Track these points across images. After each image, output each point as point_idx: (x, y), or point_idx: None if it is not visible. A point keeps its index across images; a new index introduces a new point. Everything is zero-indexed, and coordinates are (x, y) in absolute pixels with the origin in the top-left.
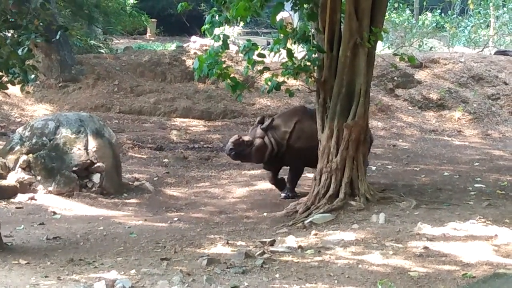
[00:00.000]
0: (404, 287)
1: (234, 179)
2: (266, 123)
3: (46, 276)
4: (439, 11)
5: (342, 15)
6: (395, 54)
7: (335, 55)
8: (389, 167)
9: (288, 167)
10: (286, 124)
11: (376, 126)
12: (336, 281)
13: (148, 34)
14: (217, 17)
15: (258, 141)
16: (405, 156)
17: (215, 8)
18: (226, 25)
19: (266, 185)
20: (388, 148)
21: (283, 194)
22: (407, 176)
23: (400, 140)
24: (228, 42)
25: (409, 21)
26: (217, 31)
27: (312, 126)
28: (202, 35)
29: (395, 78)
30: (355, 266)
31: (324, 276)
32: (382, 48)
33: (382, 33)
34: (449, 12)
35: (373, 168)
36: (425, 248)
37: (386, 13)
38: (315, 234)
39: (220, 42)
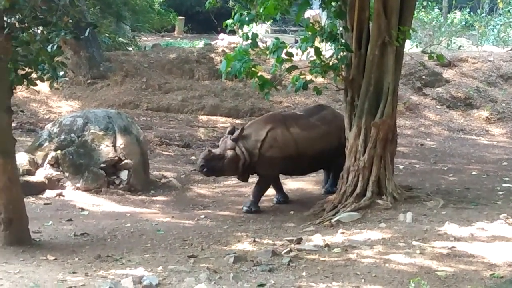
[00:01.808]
0: (431, 286)
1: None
2: (236, 133)
3: (73, 272)
4: (468, 9)
5: (370, 13)
6: (423, 52)
7: (363, 54)
8: (417, 166)
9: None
10: (257, 133)
11: (403, 125)
12: (362, 280)
13: (176, 31)
14: (245, 15)
15: (229, 153)
16: (433, 155)
17: (240, 6)
18: (254, 23)
19: (293, 183)
20: (416, 147)
21: (244, 208)
22: (435, 175)
23: (428, 139)
24: (257, 40)
25: (437, 19)
26: (245, 29)
27: (285, 134)
28: (229, 32)
29: (423, 76)
30: (382, 265)
31: (351, 275)
32: (410, 47)
33: (411, 31)
34: (478, 11)
35: (401, 167)
36: (452, 247)
37: (415, 12)
38: (342, 233)
39: (249, 41)
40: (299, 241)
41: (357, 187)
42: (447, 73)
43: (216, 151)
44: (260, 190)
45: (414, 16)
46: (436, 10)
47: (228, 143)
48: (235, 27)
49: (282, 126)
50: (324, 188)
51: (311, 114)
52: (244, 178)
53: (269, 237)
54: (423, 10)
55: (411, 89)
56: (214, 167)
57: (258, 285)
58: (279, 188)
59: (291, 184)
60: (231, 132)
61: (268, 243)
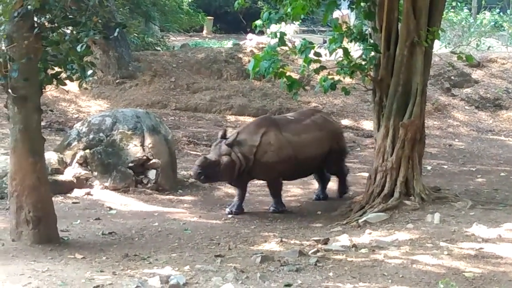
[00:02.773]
0: (459, 287)
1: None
2: (231, 138)
3: (101, 271)
4: (497, 10)
5: (399, 13)
6: (452, 53)
7: (392, 54)
8: (445, 166)
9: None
10: (252, 138)
11: (432, 126)
12: (390, 281)
13: (204, 31)
14: (274, 15)
15: (225, 159)
16: (461, 156)
17: (269, 6)
18: (283, 22)
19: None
20: (444, 147)
21: (271, 208)
22: (463, 176)
23: (456, 140)
24: (285, 39)
25: (467, 20)
26: (273, 28)
27: (279, 137)
28: (258, 32)
29: (452, 77)
30: (409, 266)
31: (378, 276)
32: (439, 47)
33: (440, 32)
34: (508, 11)
35: (429, 167)
36: (480, 249)
37: (444, 12)
38: (369, 233)
39: (277, 39)
40: (326, 241)
41: (385, 188)
42: (476, 74)
43: (212, 157)
44: (276, 190)
45: (443, 16)
46: (466, 10)
47: (223, 149)
48: (264, 28)
49: (275, 129)
50: (315, 194)
51: (302, 119)
52: (239, 184)
53: (296, 237)
54: (452, 10)
55: (440, 89)
56: (210, 173)
57: (285, 285)
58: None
59: (317, 184)
60: (224, 136)
61: (295, 243)
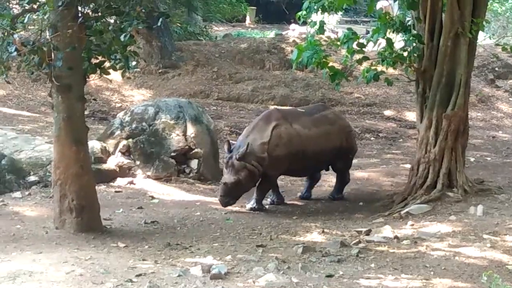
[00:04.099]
0: (502, 280)
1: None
2: (242, 151)
3: (143, 260)
4: None
5: (443, 4)
6: (497, 45)
7: (435, 45)
8: (488, 158)
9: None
10: (262, 134)
11: (475, 117)
12: (432, 273)
13: (247, 21)
14: (313, 4)
15: (243, 174)
16: (505, 148)
17: None
18: (325, 13)
19: (362, 174)
20: (488, 139)
21: (248, 205)
22: (507, 168)
23: (500, 132)
24: (325, 28)
25: (511, 11)
26: (315, 17)
27: (289, 130)
28: (302, 23)
29: (496, 68)
30: (452, 258)
31: (420, 267)
32: (483, 38)
33: (484, 23)
34: None
35: (472, 159)
36: None
37: (488, 3)
38: (412, 225)
39: (316, 27)
40: (368, 233)
41: (427, 179)
42: None
43: (230, 179)
44: (268, 186)
45: (487, 7)
46: (510, 1)
47: (237, 165)
48: (306, 18)
49: (285, 122)
50: (300, 192)
51: (313, 112)
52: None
53: (338, 228)
54: (497, 1)
55: (484, 81)
56: (235, 194)
57: (327, 276)
58: (275, 189)
59: (359, 174)
60: (230, 149)
61: (337, 234)
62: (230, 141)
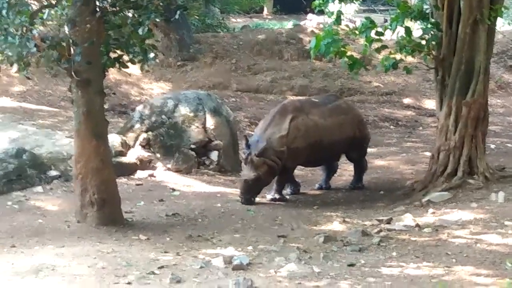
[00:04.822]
0: None
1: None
2: (261, 149)
3: (165, 252)
4: None
5: None
6: None
7: (454, 32)
8: (509, 145)
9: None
10: (280, 127)
11: (495, 104)
12: (454, 260)
13: (265, 12)
14: None
15: (263, 169)
16: None
17: None
18: (342, 2)
19: (382, 162)
20: (508, 126)
21: (269, 196)
22: None
23: None
24: (342, 18)
25: None
26: (332, 7)
27: (306, 122)
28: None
29: None
30: (474, 245)
31: (442, 255)
32: (502, 25)
33: (502, 9)
34: None
35: (492, 146)
36: None
37: None
38: (433, 213)
39: (333, 17)
40: (389, 221)
41: (448, 167)
42: None
43: (250, 176)
44: (283, 181)
45: None
46: None
47: (256, 162)
48: (323, 8)
49: (302, 113)
50: (318, 184)
51: (326, 102)
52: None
53: (359, 217)
54: None
55: (503, 67)
56: (256, 190)
57: (348, 265)
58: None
59: (379, 162)
60: (248, 145)
61: (358, 223)
62: (247, 137)
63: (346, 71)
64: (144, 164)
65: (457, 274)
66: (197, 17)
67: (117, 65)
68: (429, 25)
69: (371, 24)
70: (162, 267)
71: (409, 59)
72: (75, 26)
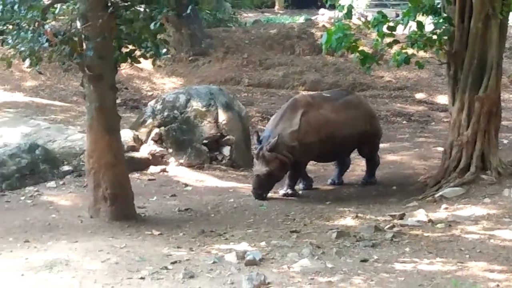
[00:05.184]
0: None
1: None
2: (272, 143)
3: (178, 247)
4: None
5: None
6: None
7: (466, 27)
8: None
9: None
10: (291, 122)
11: (508, 99)
12: (467, 256)
13: (276, 7)
14: None
15: (274, 164)
16: None
17: None
18: None
19: (394, 157)
20: None
21: (281, 191)
22: None
23: None
24: (353, 13)
25: None
26: (343, 1)
27: (317, 116)
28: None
29: None
30: (487, 241)
31: (455, 251)
32: None
33: None
34: None
35: (505, 141)
36: None
37: None
38: (446, 208)
39: (344, 11)
40: (402, 217)
41: (461, 162)
42: None
43: (262, 171)
44: (298, 172)
45: None
46: None
47: (268, 156)
48: (335, 2)
49: (312, 108)
50: (330, 179)
51: (338, 97)
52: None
53: (371, 212)
54: None
55: None
56: (268, 185)
57: (361, 260)
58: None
59: (392, 158)
60: (259, 140)
61: (370, 219)
62: (259, 132)
63: (358, 65)
64: (157, 159)
65: (470, 270)
66: (209, 12)
67: (129, 60)
68: (441, 20)
69: (383, 18)
70: (175, 262)
71: (421, 53)
72: (87, 21)
